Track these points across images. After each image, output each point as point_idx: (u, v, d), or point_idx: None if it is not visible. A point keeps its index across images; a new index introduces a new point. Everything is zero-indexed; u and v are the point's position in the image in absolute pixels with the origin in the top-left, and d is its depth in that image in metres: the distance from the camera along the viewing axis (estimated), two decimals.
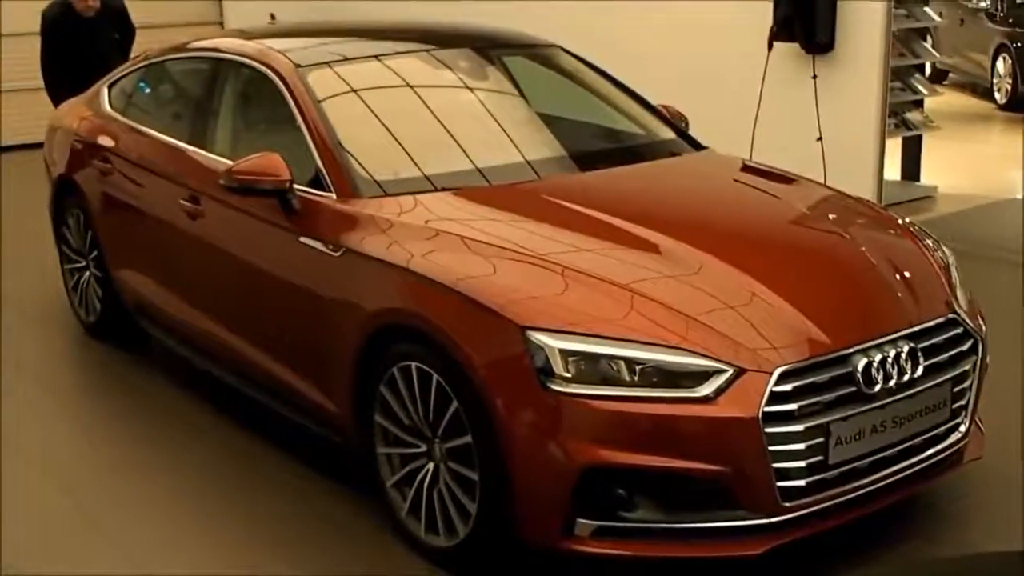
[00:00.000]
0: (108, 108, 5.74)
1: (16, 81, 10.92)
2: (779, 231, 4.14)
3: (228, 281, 4.60)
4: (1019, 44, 11.93)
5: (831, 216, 4.24)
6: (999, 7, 12.49)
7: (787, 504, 3.27)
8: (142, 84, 5.73)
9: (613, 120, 4.94)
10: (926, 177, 8.56)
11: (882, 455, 3.46)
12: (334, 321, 3.91)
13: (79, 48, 7.48)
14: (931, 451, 3.61)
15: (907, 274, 3.81)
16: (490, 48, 5.06)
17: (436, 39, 5.07)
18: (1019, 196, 8.62)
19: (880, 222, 4.27)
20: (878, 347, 3.44)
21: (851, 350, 3.39)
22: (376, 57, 4.77)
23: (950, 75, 13.18)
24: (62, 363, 5.80)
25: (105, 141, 5.54)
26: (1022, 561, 2.04)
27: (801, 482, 3.28)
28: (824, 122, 7.31)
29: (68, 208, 5.89)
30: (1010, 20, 12.33)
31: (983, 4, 12.62)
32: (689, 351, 3.26)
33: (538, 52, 5.20)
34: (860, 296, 3.68)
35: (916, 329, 3.57)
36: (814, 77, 7.32)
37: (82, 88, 6.28)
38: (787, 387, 3.25)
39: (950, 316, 3.71)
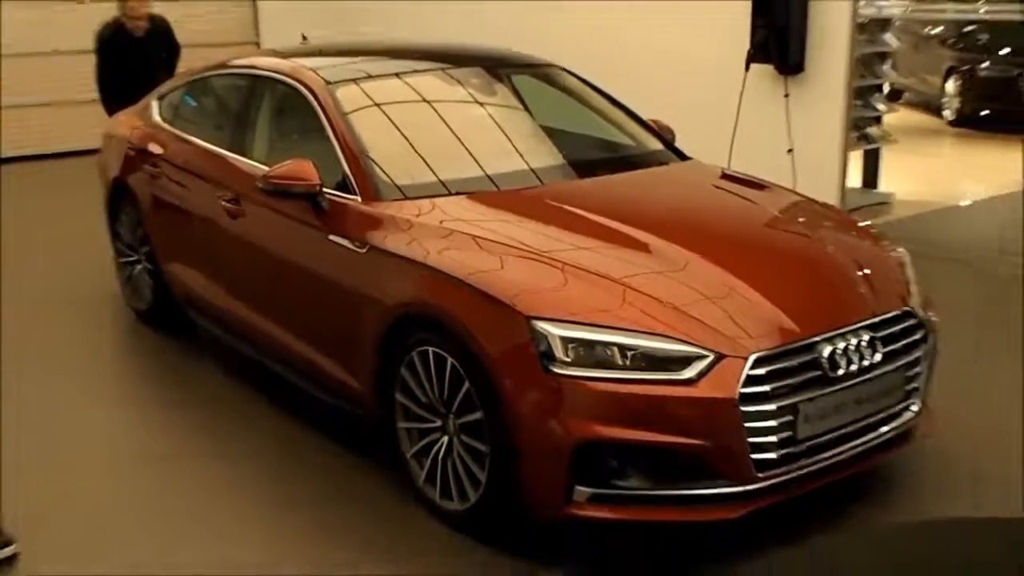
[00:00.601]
0: (157, 118, 5.75)
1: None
2: (755, 232, 4.17)
3: (265, 274, 4.61)
4: (967, 67, 11.93)
5: (800, 219, 4.28)
6: (950, 34, 12.48)
7: (761, 474, 3.30)
8: (187, 97, 5.74)
9: (608, 132, 4.95)
10: (884, 185, 8.56)
11: (844, 431, 3.49)
12: (359, 310, 3.93)
13: (130, 64, 7.48)
14: (887, 428, 3.64)
15: (867, 271, 3.83)
16: (498, 67, 5.07)
17: (450, 59, 5.08)
18: (965, 203, 8.65)
19: (843, 225, 4.30)
20: (841, 336, 3.47)
21: (818, 339, 3.42)
22: (396, 75, 4.78)
23: (905, 94, 13.14)
24: (116, 349, 5.81)
25: (155, 148, 5.55)
26: (975, 526, 2.06)
27: (773, 455, 3.31)
28: (794, 135, 7.34)
29: (121, 208, 5.90)
30: (959, 46, 12.31)
31: (935, 31, 12.60)
32: (675, 339, 3.29)
33: (541, 71, 5.20)
34: (826, 290, 3.71)
35: (875, 320, 3.59)
36: (786, 95, 7.34)
37: (133, 100, 6.30)
38: (761, 371, 3.28)
39: (905, 309, 3.73)
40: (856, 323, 3.53)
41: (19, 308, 6.18)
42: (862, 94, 7.98)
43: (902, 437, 3.74)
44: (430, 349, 3.60)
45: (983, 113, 11.76)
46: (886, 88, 8.87)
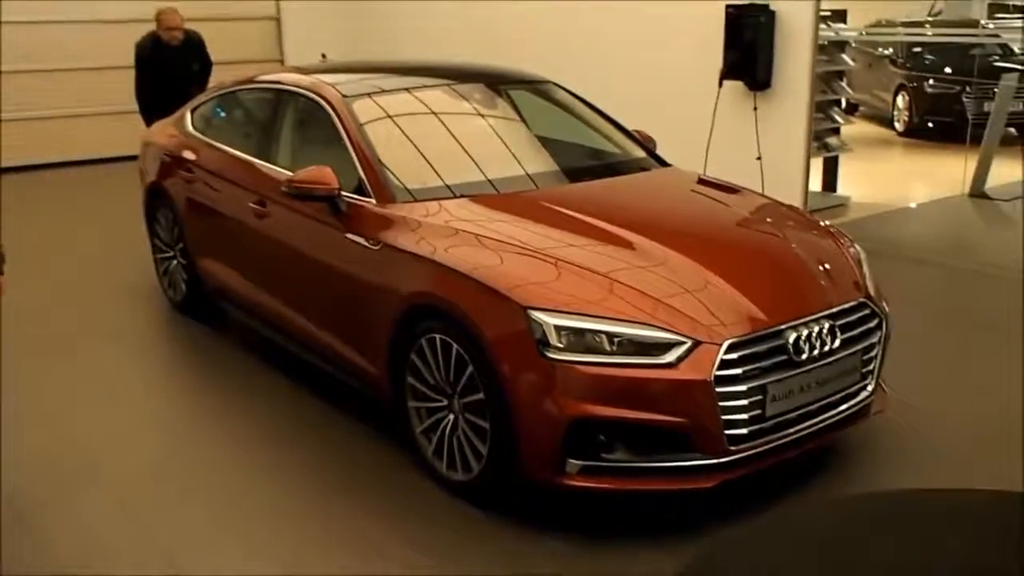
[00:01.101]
0: (191, 128, 5.72)
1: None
2: (728, 232, 4.15)
3: (289, 268, 4.59)
4: (915, 84, 11.93)
5: (768, 220, 4.26)
6: (899, 55, 12.48)
7: (733, 448, 3.30)
8: (218, 109, 5.72)
9: (596, 142, 4.93)
10: (841, 189, 8.56)
11: (807, 409, 3.49)
12: (374, 302, 3.92)
13: (165, 73, 7.45)
14: (845, 406, 3.63)
15: (828, 266, 3.83)
16: (498, 83, 5.05)
17: (455, 75, 5.06)
18: (913, 205, 8.65)
19: (806, 225, 4.28)
20: (805, 324, 3.46)
21: (784, 326, 3.42)
22: (407, 89, 4.75)
23: (860, 108, 13.16)
24: (155, 334, 5.79)
25: (188, 155, 5.53)
26: (923, 495, 2.07)
27: (744, 430, 3.31)
28: (763, 144, 7.33)
29: (159, 209, 5.88)
30: (908, 65, 12.32)
31: (887, 52, 12.59)
32: (656, 327, 3.28)
33: (537, 86, 5.19)
34: (791, 283, 3.70)
35: (835, 310, 3.59)
36: (755, 109, 7.33)
37: (168, 110, 6.28)
38: (734, 356, 3.28)
39: (861, 299, 3.73)
40: (818, 312, 3.53)
41: (71, 297, 6.19)
42: (822, 108, 7.98)
43: (858, 414, 3.73)
44: (437, 336, 3.59)
45: (929, 125, 11.78)
46: (843, 103, 8.85)
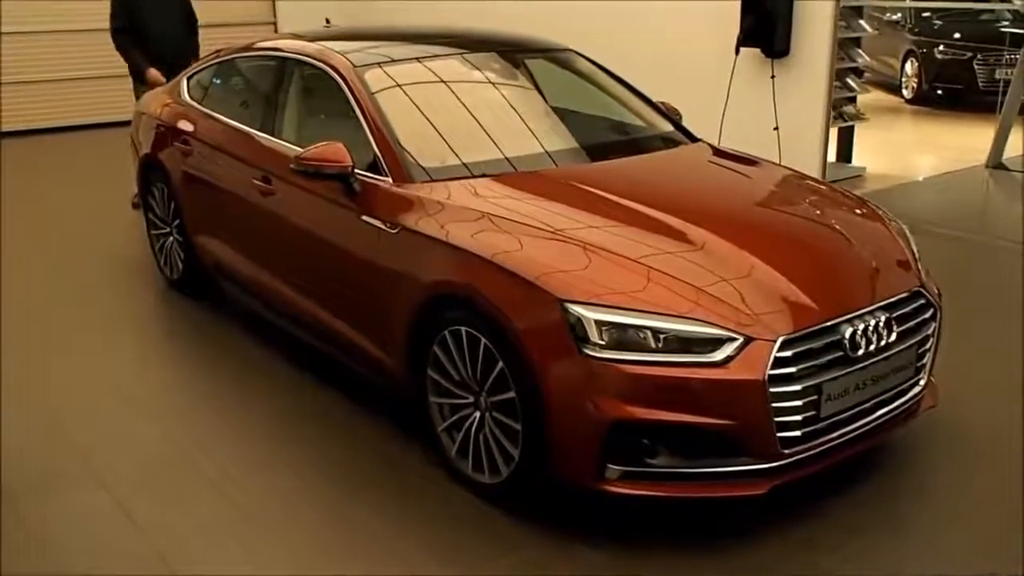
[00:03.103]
0: (187, 98, 5.40)
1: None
2: (771, 214, 3.86)
3: (297, 250, 4.29)
4: (924, 50, 11.63)
5: (812, 200, 3.94)
6: (907, 20, 12.16)
7: (785, 451, 3.05)
8: (216, 78, 5.38)
9: (621, 115, 4.61)
10: (855, 160, 8.29)
11: (862, 408, 3.24)
12: (391, 289, 3.64)
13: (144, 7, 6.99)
14: (898, 403, 3.39)
15: (880, 251, 3.57)
16: (515, 52, 4.72)
17: (469, 43, 4.72)
18: (931, 176, 8.37)
19: (851, 204, 3.97)
20: (860, 317, 3.20)
21: (839, 320, 3.16)
22: (421, 59, 4.41)
23: (865, 74, 12.85)
24: (150, 315, 5.50)
25: (185, 126, 5.21)
26: None
27: (797, 432, 3.05)
28: (780, 114, 7.06)
29: (153, 182, 5.56)
30: (916, 30, 12.01)
31: (895, 17, 12.26)
32: (706, 322, 3.01)
33: (556, 55, 4.86)
34: (844, 271, 3.42)
35: (891, 300, 3.33)
36: (772, 77, 7.05)
37: (146, 48, 6.28)
38: (788, 353, 3.01)
39: (917, 288, 3.47)
40: (874, 304, 3.27)
41: (62, 273, 5.90)
42: (839, 76, 7.66)
43: (909, 411, 3.49)
44: (463, 329, 3.32)
45: (938, 92, 11.50)
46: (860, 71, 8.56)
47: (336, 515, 3.38)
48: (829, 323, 3.13)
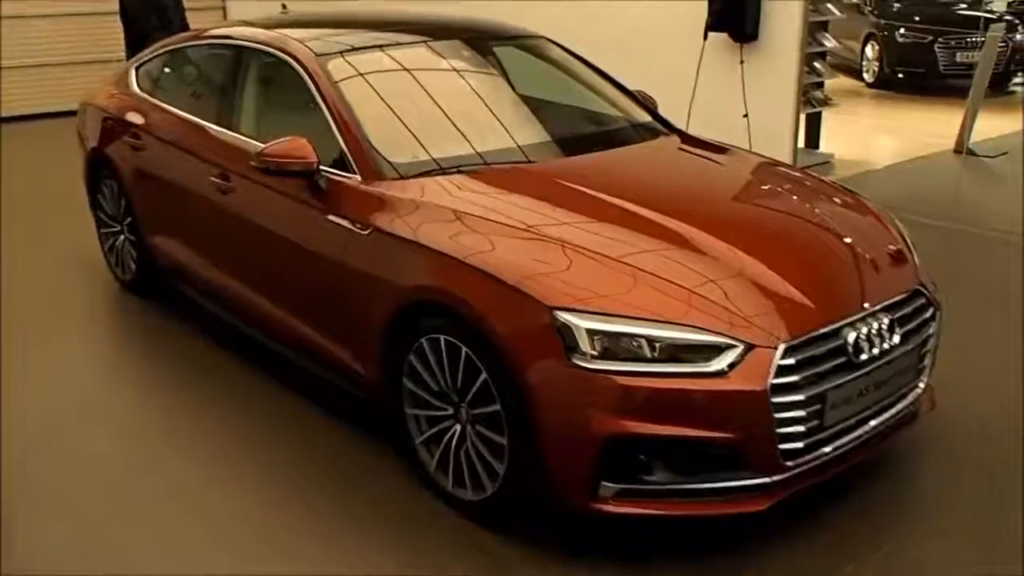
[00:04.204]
0: (136, 88, 5.08)
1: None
2: (764, 210, 3.65)
3: (259, 251, 4.02)
4: (885, 33, 11.55)
5: (808, 195, 3.75)
6: (867, 2, 12.08)
7: (788, 463, 2.87)
8: (167, 68, 5.06)
9: (598, 105, 4.37)
10: (822, 146, 8.16)
11: (864, 414, 3.07)
12: (363, 293, 3.39)
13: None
14: (899, 408, 3.22)
15: (878, 247, 3.39)
16: (485, 39, 4.48)
17: (437, 31, 4.46)
18: (900, 161, 8.26)
19: (845, 198, 3.78)
20: (863, 320, 3.03)
21: (841, 324, 2.98)
22: (387, 47, 4.15)
23: (826, 57, 12.77)
24: (103, 319, 5.18)
25: (135, 119, 4.89)
26: None
27: (799, 444, 2.87)
28: (749, 101, 6.89)
29: (102, 179, 5.24)
30: (875, 13, 11.93)
31: (855, 0, 12.18)
32: (704, 329, 2.81)
33: (526, 42, 4.62)
34: (844, 271, 3.23)
35: (893, 301, 3.16)
36: (741, 63, 6.87)
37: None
38: (791, 360, 2.83)
39: (917, 287, 3.30)
40: (876, 305, 3.09)
41: (11, 268, 5.54)
42: (807, 60, 7.51)
43: (910, 415, 3.33)
44: (442, 337, 3.09)
45: (899, 76, 11.44)
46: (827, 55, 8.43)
47: (311, 532, 3.14)
48: (832, 327, 2.95)
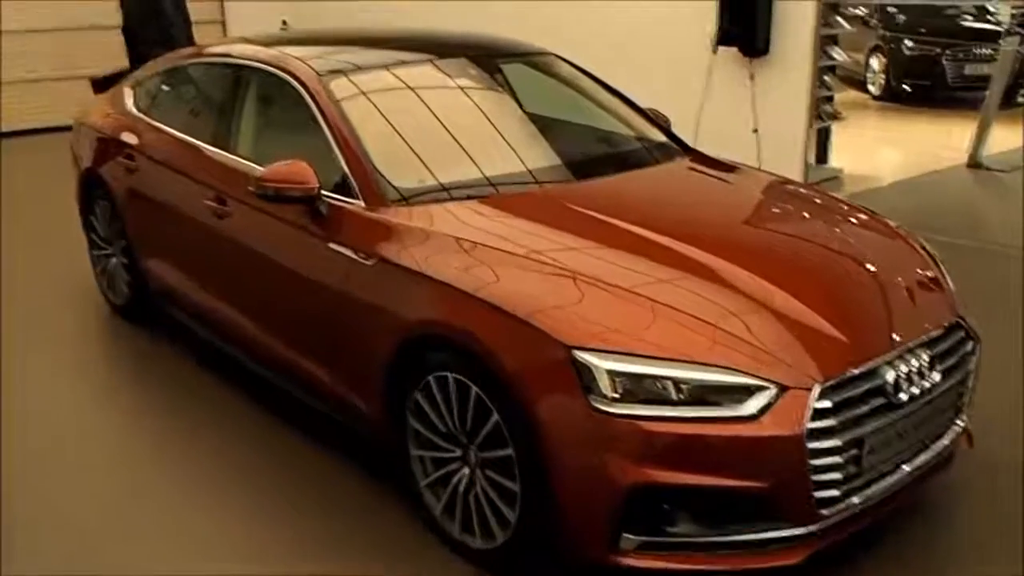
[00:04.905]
0: (132, 108, 4.87)
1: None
2: (796, 240, 3.40)
3: (256, 278, 3.81)
4: (891, 45, 11.37)
5: (838, 221, 3.53)
6: (872, 13, 11.90)
7: (823, 512, 2.65)
8: (164, 86, 4.86)
9: (612, 125, 4.14)
10: (831, 161, 7.96)
11: (903, 458, 2.86)
12: (367, 326, 3.18)
13: None
14: (936, 449, 3.00)
15: (913, 277, 3.18)
16: (491, 56, 4.25)
17: (441, 48, 4.25)
18: (911, 176, 8.05)
19: (878, 227, 3.54)
20: (901, 357, 2.81)
21: (880, 362, 2.76)
22: (391, 65, 3.94)
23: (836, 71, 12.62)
24: (94, 344, 4.96)
25: (130, 139, 4.69)
26: None
27: (836, 492, 2.66)
28: (759, 116, 6.70)
29: (95, 199, 5.03)
30: (881, 25, 11.75)
31: (860, 11, 11.99)
32: (735, 369, 2.59)
33: (534, 59, 4.40)
34: (882, 305, 3.01)
35: (931, 336, 2.95)
36: (751, 77, 6.68)
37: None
38: (827, 403, 2.61)
39: (956, 320, 3.09)
40: (914, 341, 2.88)
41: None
42: (817, 75, 7.32)
43: (948, 455, 3.11)
44: (451, 375, 2.87)
45: (906, 88, 11.25)
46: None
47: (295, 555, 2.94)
48: (870, 366, 2.73)
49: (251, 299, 3.89)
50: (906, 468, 2.87)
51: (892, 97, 11.34)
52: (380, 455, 3.40)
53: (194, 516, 3.26)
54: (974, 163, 7.94)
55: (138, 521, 3.23)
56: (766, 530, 2.64)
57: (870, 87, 11.64)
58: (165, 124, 4.53)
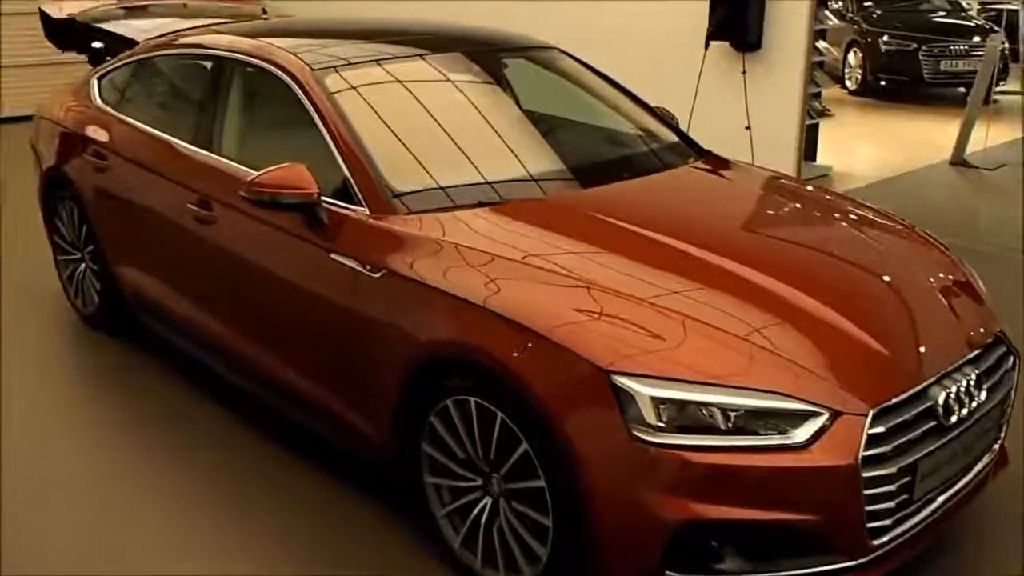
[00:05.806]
0: (99, 101, 4.59)
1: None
2: (834, 250, 3.17)
3: (245, 289, 3.58)
4: (868, 40, 11.36)
5: (874, 231, 3.38)
6: (849, 8, 11.88)
7: (875, 542, 2.51)
8: (134, 78, 4.59)
9: (623, 125, 3.96)
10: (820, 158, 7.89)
11: (952, 482, 2.73)
12: (374, 344, 2.97)
13: None
14: (978, 469, 2.88)
15: (953, 290, 3.06)
16: (493, 51, 4.06)
17: (439, 41, 4.04)
18: (899, 174, 7.99)
19: (913, 235, 3.40)
20: (950, 377, 2.68)
21: (931, 382, 2.63)
22: (389, 60, 3.71)
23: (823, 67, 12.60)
24: (61, 357, 4.69)
25: (98, 135, 4.41)
26: None
27: (888, 521, 2.52)
28: (752, 112, 6.56)
29: (60, 200, 4.74)
30: (859, 20, 11.74)
31: (836, 6, 11.96)
32: (784, 395, 2.44)
33: (536, 54, 4.21)
34: (928, 320, 2.88)
35: (976, 353, 2.82)
36: (743, 73, 6.54)
37: None
38: (880, 428, 2.47)
39: (998, 334, 2.97)
40: (961, 359, 2.75)
41: None
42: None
43: (988, 473, 2.99)
44: (472, 399, 2.69)
45: (882, 83, 11.24)
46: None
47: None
48: (921, 387, 2.60)
49: (239, 310, 3.66)
50: (952, 492, 2.74)
51: (868, 92, 11.33)
52: (386, 478, 3.20)
53: (175, 537, 3.04)
54: (958, 160, 7.90)
55: (114, 537, 3.03)
56: (817, 564, 2.49)
57: (847, 82, 11.62)
58: (138, 120, 4.27)
